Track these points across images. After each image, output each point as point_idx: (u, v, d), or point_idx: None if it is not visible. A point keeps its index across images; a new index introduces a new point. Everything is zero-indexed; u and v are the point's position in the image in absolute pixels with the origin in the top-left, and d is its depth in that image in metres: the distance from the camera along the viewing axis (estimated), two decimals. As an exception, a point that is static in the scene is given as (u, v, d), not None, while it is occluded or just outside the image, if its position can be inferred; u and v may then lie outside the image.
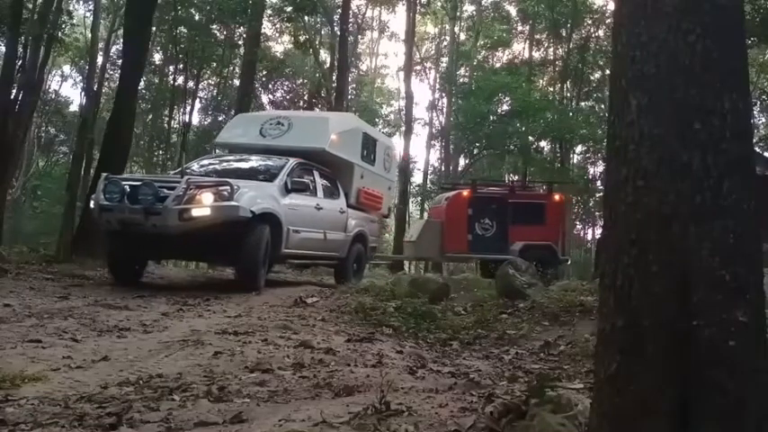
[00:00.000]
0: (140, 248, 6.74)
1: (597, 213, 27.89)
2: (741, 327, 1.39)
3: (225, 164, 8.24)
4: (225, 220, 6.03)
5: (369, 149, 9.74)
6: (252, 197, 6.39)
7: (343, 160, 8.64)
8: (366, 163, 9.52)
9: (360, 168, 9.23)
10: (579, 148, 27.42)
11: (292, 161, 7.51)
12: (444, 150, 27.77)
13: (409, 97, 23.36)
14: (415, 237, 12.94)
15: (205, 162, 8.36)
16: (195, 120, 23.12)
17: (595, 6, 24.82)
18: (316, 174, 8.02)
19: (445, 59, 29.90)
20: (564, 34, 25.87)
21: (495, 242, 12.65)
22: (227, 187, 6.16)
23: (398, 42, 29.66)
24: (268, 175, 7.24)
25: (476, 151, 24.99)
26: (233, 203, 6.09)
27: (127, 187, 6.25)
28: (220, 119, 22.43)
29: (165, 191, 6.10)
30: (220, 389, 2.57)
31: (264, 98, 24.13)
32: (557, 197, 13.86)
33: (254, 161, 7.93)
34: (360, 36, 27.38)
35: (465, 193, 13.27)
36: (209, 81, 25.45)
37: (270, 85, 24.71)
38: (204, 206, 6.05)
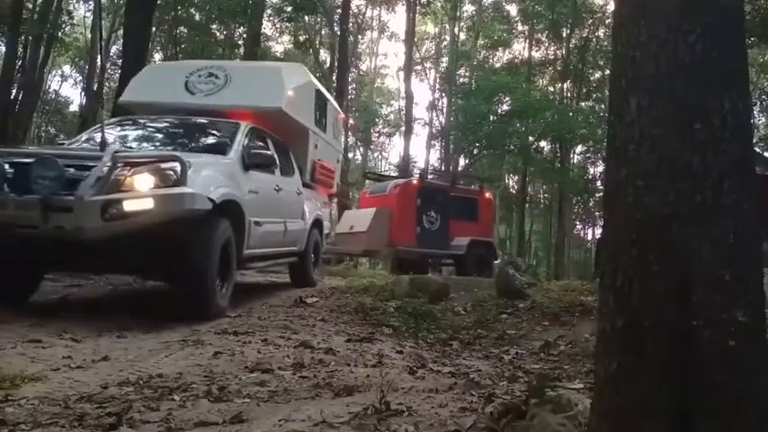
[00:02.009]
0: (30, 263, 4.49)
1: (597, 213, 27.93)
2: (741, 327, 1.39)
3: (149, 129, 5.86)
4: (175, 217, 4.09)
5: (321, 111, 7.91)
6: (208, 179, 4.52)
7: (298, 125, 6.79)
8: (319, 129, 7.71)
9: (314, 136, 7.40)
10: (579, 148, 27.48)
11: (245, 125, 5.58)
12: (444, 150, 27.80)
13: (409, 97, 23.42)
14: (364, 227, 11.39)
15: (115, 128, 5.73)
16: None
17: (595, 6, 24.84)
18: (270, 144, 6.07)
19: (445, 59, 29.92)
20: (564, 34, 25.90)
21: (439, 237, 11.97)
22: (176, 164, 4.15)
23: (398, 42, 29.72)
24: (216, 146, 5.25)
25: (476, 151, 25.02)
26: (186, 190, 4.11)
27: (7, 166, 4.06)
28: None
29: (74, 171, 4.02)
30: (220, 389, 2.57)
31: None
32: (487, 194, 13.69)
33: (190, 124, 5.79)
34: (360, 36, 27.41)
35: (415, 181, 12.51)
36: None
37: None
38: (143, 195, 4.02)
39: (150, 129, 5.88)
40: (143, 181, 4.08)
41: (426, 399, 2.46)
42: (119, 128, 5.76)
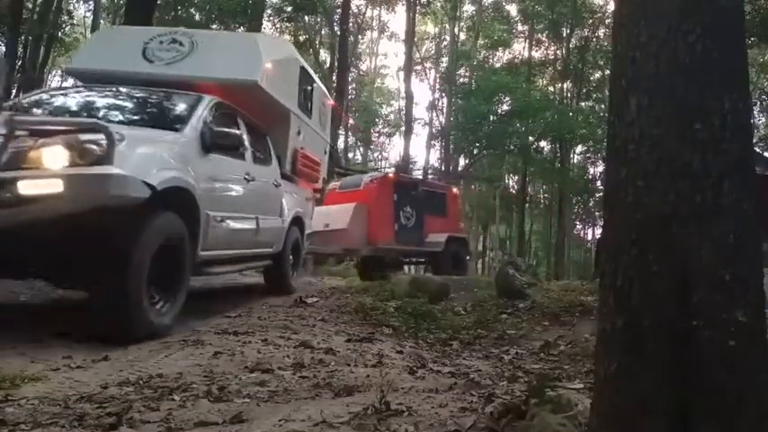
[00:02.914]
0: None
1: (597, 213, 27.95)
2: (741, 327, 1.39)
3: (86, 97, 4.80)
4: (94, 206, 3.05)
5: (307, 94, 6.95)
6: (148, 158, 3.56)
7: (277, 106, 5.90)
8: (304, 113, 6.82)
9: (297, 120, 6.49)
10: (579, 148, 27.49)
11: (209, 99, 4.65)
12: (444, 150, 27.81)
13: (409, 97, 23.42)
14: (343, 224, 10.45)
15: (47, 96, 4.91)
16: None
17: (595, 6, 24.86)
18: (241, 124, 5.15)
19: (445, 59, 29.93)
20: (564, 34, 25.92)
21: (415, 233, 11.39)
22: (99, 136, 3.11)
23: (398, 42, 29.72)
24: (169, 120, 4.30)
25: (476, 151, 25.02)
26: (112, 170, 3.08)
27: None
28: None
29: None
30: (220, 389, 2.57)
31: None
32: (454, 189, 13.39)
33: (142, 96, 4.76)
34: (360, 36, 27.42)
35: (391, 175, 12.01)
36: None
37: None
38: (50, 175, 2.98)
39: (86, 99, 4.72)
40: (52, 155, 2.98)
41: (426, 399, 2.46)
42: (47, 97, 4.82)
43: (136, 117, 4.43)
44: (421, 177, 13.38)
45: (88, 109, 4.52)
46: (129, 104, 4.71)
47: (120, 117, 4.38)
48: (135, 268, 3.34)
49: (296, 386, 2.71)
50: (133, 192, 3.23)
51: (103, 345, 3.29)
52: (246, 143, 5.14)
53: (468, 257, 12.33)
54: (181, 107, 4.52)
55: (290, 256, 6.44)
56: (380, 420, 2.06)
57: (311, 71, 7.63)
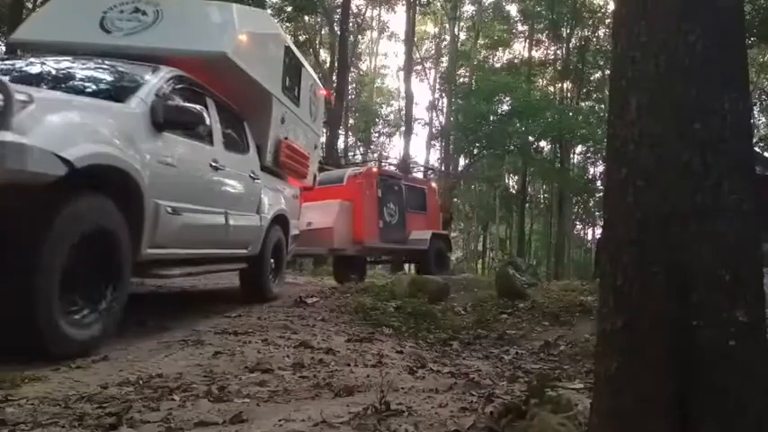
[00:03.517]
0: None
1: (597, 213, 27.96)
2: (741, 327, 1.39)
3: (20, 66, 4.10)
4: None
5: (293, 79, 6.22)
6: (68, 127, 2.89)
7: (255, 86, 5.21)
8: (289, 100, 6.11)
9: (280, 106, 5.82)
10: (579, 148, 27.50)
11: (167, 70, 4.08)
12: (444, 150, 27.82)
13: (409, 97, 23.42)
14: (329, 222, 9.58)
15: None
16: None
17: (595, 6, 24.87)
18: (210, 104, 4.55)
19: (445, 59, 29.94)
20: (564, 34, 25.93)
21: (399, 231, 10.74)
22: None
23: (398, 42, 29.73)
24: (113, 91, 3.69)
25: (476, 151, 25.02)
26: (6, 136, 2.46)
27: None
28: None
29: None
30: (220, 389, 2.57)
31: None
32: (433, 183, 13.02)
33: (87, 65, 4.11)
34: (360, 36, 27.42)
35: (375, 169, 11.26)
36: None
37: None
38: None
39: (18, 68, 4.05)
40: None
41: (426, 399, 2.46)
42: None
43: (74, 87, 3.71)
44: (402, 170, 12.75)
45: (18, 79, 3.50)
46: (69, 74, 3.97)
47: (50, 84, 3.67)
48: (43, 267, 2.68)
49: (296, 386, 2.71)
50: (40, 167, 2.54)
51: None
52: (215, 126, 4.49)
53: (450, 255, 11.92)
54: (131, 78, 3.86)
55: (272, 260, 5.73)
56: (380, 420, 2.06)
57: (300, 55, 6.77)
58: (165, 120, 3.64)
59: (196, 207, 4.11)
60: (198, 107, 3.94)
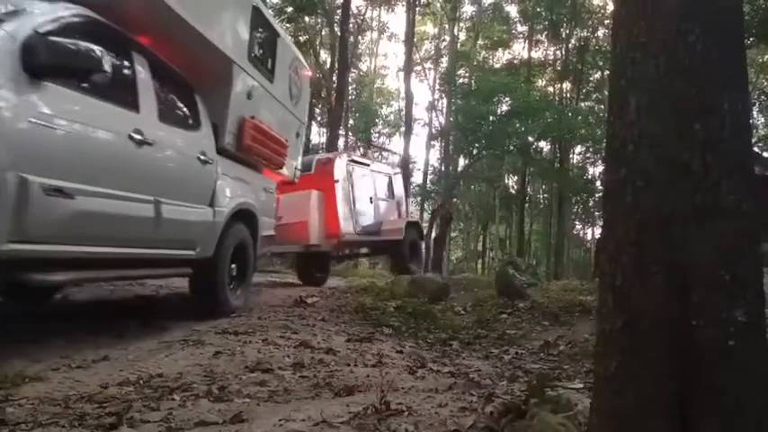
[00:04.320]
0: None
1: (597, 213, 27.95)
2: (741, 327, 1.39)
3: None
4: None
5: (265, 48, 5.33)
6: None
7: (209, 48, 4.29)
8: (259, 73, 5.16)
9: (245, 78, 4.86)
10: (579, 148, 27.49)
11: (64, 6, 3.11)
12: (444, 150, 27.80)
13: (409, 98, 23.39)
14: (304, 215, 8.44)
15: None
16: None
17: (595, 6, 24.88)
18: (140, 61, 3.66)
19: (445, 60, 29.93)
20: (563, 35, 25.94)
21: (372, 221, 9.78)
22: None
23: (398, 43, 29.70)
24: None
25: (475, 151, 25.00)
26: None
27: None
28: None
29: None
30: (220, 389, 2.57)
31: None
32: (396, 169, 12.14)
33: None
34: (360, 36, 27.41)
35: (345, 156, 9.99)
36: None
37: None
38: None
39: None
40: None
41: (426, 399, 2.46)
42: None
43: None
44: (368, 158, 11.61)
45: None
46: None
47: None
48: None
49: (296, 386, 2.71)
50: None
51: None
52: (144, 88, 3.61)
53: (423, 244, 10.99)
54: (6, 8, 2.88)
55: (232, 265, 4.73)
56: (380, 420, 2.07)
57: (275, 23, 5.86)
58: (46, 63, 2.73)
59: (102, 190, 3.14)
60: (95, 50, 2.92)
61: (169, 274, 4.52)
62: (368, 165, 10.52)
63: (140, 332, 3.87)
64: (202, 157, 4.26)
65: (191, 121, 4.32)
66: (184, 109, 4.31)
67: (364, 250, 10.71)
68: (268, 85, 5.40)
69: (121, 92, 3.44)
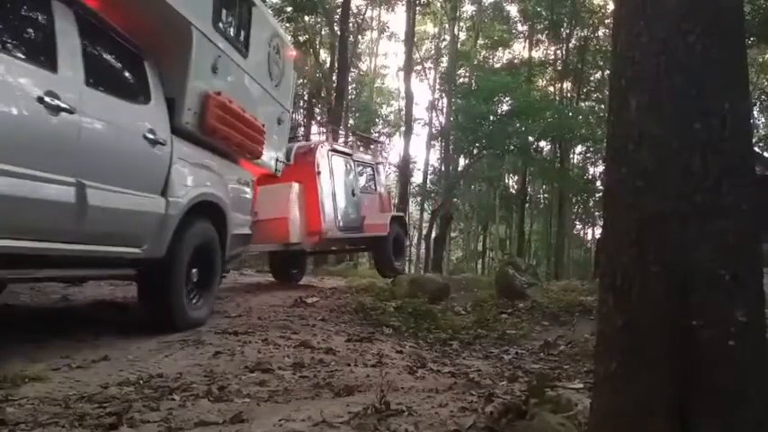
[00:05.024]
0: None
1: (597, 213, 27.94)
2: (741, 327, 1.39)
3: None
4: None
5: (236, 15, 4.69)
6: None
7: (161, 6, 3.67)
8: (228, 43, 4.50)
9: (209, 46, 4.18)
10: (579, 148, 27.48)
11: None
12: (444, 150, 27.79)
13: (409, 97, 23.37)
14: (283, 211, 7.58)
15: None
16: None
17: (595, 6, 24.87)
18: (60, 11, 3.01)
19: (445, 59, 29.92)
20: (564, 34, 25.94)
21: (355, 216, 9.00)
22: None
23: (398, 42, 29.67)
24: None
25: (475, 151, 24.99)
26: None
27: None
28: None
29: None
30: (220, 389, 2.57)
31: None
32: (380, 159, 11.26)
33: None
34: (360, 36, 27.40)
35: (326, 146, 8.88)
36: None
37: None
38: None
39: None
40: None
41: (426, 399, 2.46)
42: None
43: None
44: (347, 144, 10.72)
45: None
46: None
47: None
48: None
49: (296, 386, 2.71)
50: None
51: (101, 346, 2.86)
52: (63, 44, 2.98)
53: (407, 240, 10.31)
54: None
55: (193, 270, 4.06)
56: (380, 420, 2.07)
57: None
58: None
59: None
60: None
61: (106, 276, 3.93)
62: (350, 154, 9.61)
63: (140, 332, 3.87)
64: (150, 136, 3.57)
65: (136, 92, 3.67)
66: (128, 77, 3.69)
67: (347, 246, 10.10)
68: (240, 60, 4.71)
69: (31, 45, 2.91)
